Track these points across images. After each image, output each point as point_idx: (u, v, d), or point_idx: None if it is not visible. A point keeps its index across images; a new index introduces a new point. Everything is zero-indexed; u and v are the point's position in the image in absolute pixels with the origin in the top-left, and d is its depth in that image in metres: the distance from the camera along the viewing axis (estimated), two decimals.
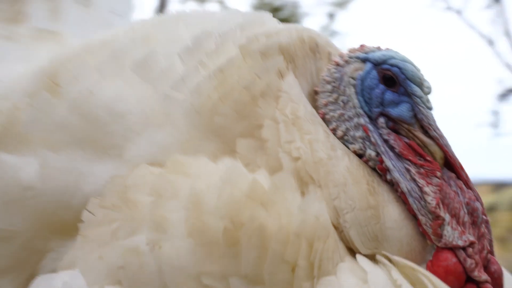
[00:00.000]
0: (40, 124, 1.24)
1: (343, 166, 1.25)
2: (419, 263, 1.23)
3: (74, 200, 1.21)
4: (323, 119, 1.34)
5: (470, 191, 1.30)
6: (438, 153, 1.30)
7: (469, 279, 1.23)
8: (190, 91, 1.25)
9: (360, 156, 1.32)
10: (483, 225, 1.28)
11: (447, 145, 1.31)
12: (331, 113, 1.34)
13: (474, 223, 1.27)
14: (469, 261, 1.23)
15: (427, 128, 1.31)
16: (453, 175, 1.31)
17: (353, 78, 1.34)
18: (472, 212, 1.27)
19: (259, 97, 1.25)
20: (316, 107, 1.34)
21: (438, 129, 1.32)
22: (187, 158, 1.20)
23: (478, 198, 1.30)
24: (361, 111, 1.33)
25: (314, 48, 1.36)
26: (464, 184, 1.30)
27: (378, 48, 1.38)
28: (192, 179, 1.17)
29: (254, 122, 1.24)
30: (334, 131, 1.33)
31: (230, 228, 1.12)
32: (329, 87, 1.35)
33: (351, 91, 1.34)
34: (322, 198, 1.20)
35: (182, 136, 1.23)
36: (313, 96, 1.37)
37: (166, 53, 1.28)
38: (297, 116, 1.26)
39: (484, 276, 1.23)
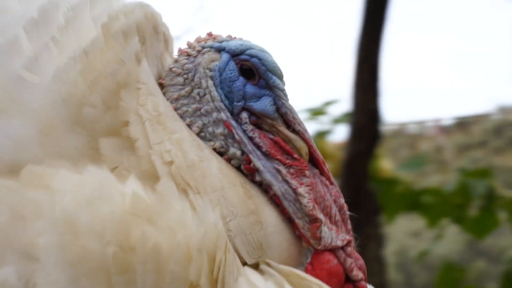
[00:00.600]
0: None
1: (215, 168, 1.15)
2: (296, 267, 1.17)
3: None
4: None
5: (334, 187, 1.24)
6: (304, 149, 1.23)
7: (347, 279, 1.18)
8: (50, 74, 1.09)
9: (220, 154, 1.21)
10: (349, 222, 1.23)
11: (311, 140, 1.24)
12: (184, 108, 1.22)
13: (343, 220, 1.22)
14: (349, 261, 1.19)
15: (292, 122, 1.23)
16: (317, 171, 1.24)
17: (209, 69, 1.23)
18: (340, 209, 1.22)
19: (122, 87, 1.12)
20: None
21: (302, 123, 1.25)
22: (45, 168, 1.05)
23: (341, 194, 1.24)
24: (221, 105, 1.22)
25: (156, 28, 1.22)
26: (328, 180, 1.23)
27: (230, 37, 1.27)
28: (56, 194, 1.01)
29: (120, 117, 1.12)
30: (188, 127, 1.21)
31: (119, 252, 0.99)
32: (180, 79, 1.23)
33: (209, 83, 1.22)
34: (209, 205, 1.09)
35: (41, 128, 1.07)
36: (160, 85, 1.25)
37: (5, 25, 1.12)
38: (160, 112, 1.14)
39: (360, 275, 1.19)
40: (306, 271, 1.17)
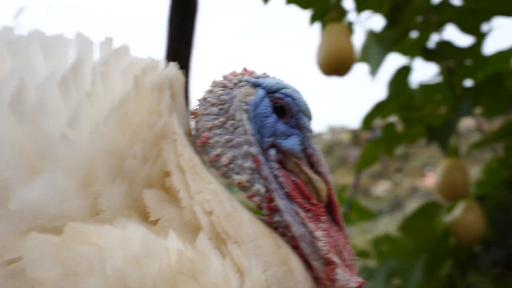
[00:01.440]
0: None
1: (246, 218, 1.14)
2: None
3: None
4: (206, 143, 1.23)
5: (344, 232, 1.25)
6: (324, 190, 1.24)
7: None
8: (89, 128, 1.09)
9: (243, 189, 1.22)
10: (356, 266, 1.23)
11: (332, 183, 1.25)
12: (216, 138, 1.23)
13: (353, 265, 1.23)
14: None
15: (316, 164, 1.24)
16: (329, 216, 1.25)
17: (245, 103, 1.23)
18: (349, 254, 1.23)
19: (160, 138, 1.12)
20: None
21: (325, 165, 1.26)
22: (88, 225, 1.03)
23: (349, 240, 1.26)
24: (253, 139, 1.22)
25: (182, 85, 1.24)
26: (338, 224, 1.25)
27: (266, 74, 1.29)
28: (105, 251, 0.99)
29: (162, 167, 1.12)
30: (218, 157, 1.22)
31: None
32: (215, 109, 1.24)
33: (243, 116, 1.23)
34: (253, 259, 1.09)
35: (83, 180, 1.07)
36: (193, 114, 1.27)
37: (37, 83, 1.10)
38: (195, 163, 1.14)
39: None
40: None
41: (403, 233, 4.25)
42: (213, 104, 1.24)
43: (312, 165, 1.24)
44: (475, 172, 4.95)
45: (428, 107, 3.91)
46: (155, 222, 1.08)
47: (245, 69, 1.29)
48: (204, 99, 1.25)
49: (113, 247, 1.00)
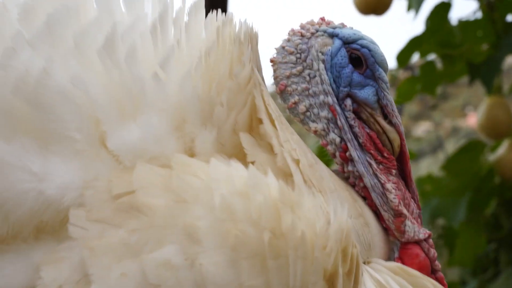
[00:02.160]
0: None
1: (326, 171, 1.19)
2: (386, 260, 1.23)
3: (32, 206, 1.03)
4: (284, 91, 1.27)
5: (413, 184, 1.29)
6: (397, 141, 1.27)
7: (432, 271, 1.24)
8: (179, 74, 1.11)
9: (318, 137, 1.27)
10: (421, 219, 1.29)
11: (403, 134, 1.28)
12: (294, 86, 1.26)
13: (419, 217, 1.28)
14: (432, 251, 1.24)
15: (390, 115, 1.27)
16: (400, 167, 1.29)
17: (322, 53, 1.26)
18: (417, 207, 1.28)
19: (248, 87, 1.15)
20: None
21: (399, 116, 1.28)
22: (193, 160, 1.08)
23: (417, 194, 1.30)
24: (329, 88, 1.25)
25: (257, 40, 1.26)
26: (408, 176, 1.29)
27: (343, 25, 1.30)
28: (212, 182, 1.03)
29: (247, 115, 1.15)
30: (295, 104, 1.26)
31: (273, 238, 1.00)
32: (292, 58, 1.26)
33: (320, 66, 1.25)
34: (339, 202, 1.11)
35: (176, 124, 1.10)
36: (271, 62, 1.30)
37: (124, 31, 1.12)
38: (279, 113, 1.18)
39: (439, 265, 1.25)
40: None
41: (446, 172, 4.22)
42: (291, 53, 1.26)
43: (386, 115, 1.27)
44: None
45: (468, 44, 3.81)
46: (248, 163, 1.10)
47: (322, 19, 1.31)
48: (282, 47, 1.28)
49: (220, 179, 1.04)
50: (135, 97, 1.08)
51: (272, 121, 1.15)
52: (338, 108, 1.25)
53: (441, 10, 3.80)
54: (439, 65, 4.08)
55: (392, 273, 1.16)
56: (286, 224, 1.01)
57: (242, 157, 1.12)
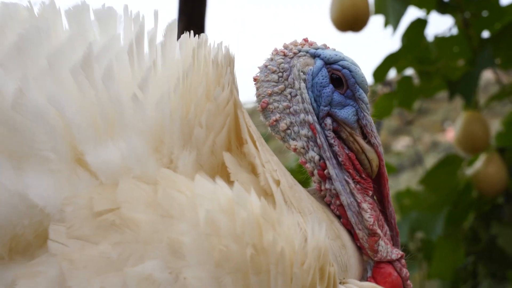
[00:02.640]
0: None
1: (304, 192, 1.21)
2: (360, 280, 1.24)
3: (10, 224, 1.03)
4: (266, 108, 1.29)
5: (390, 206, 1.31)
6: (375, 161, 1.30)
7: None
8: (156, 95, 1.11)
9: (298, 154, 1.29)
10: (399, 240, 1.32)
11: (383, 154, 1.30)
12: (275, 104, 1.28)
13: (396, 238, 1.31)
14: (404, 271, 1.26)
15: (369, 135, 1.30)
16: (377, 188, 1.32)
17: (303, 72, 1.29)
18: (393, 228, 1.31)
19: (227, 109, 1.15)
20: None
21: (378, 137, 1.31)
22: (178, 176, 1.08)
23: (395, 215, 1.32)
24: (310, 107, 1.28)
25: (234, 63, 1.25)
26: (385, 198, 1.31)
27: (325, 46, 1.33)
28: (197, 198, 1.03)
29: (230, 136, 1.16)
30: (276, 122, 1.28)
31: (255, 254, 1.01)
32: (274, 76, 1.29)
33: (301, 85, 1.28)
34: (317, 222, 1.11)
35: (154, 145, 1.10)
36: (254, 80, 1.32)
37: (99, 51, 1.12)
38: (259, 134, 1.19)
39: (411, 285, 1.27)
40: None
41: (424, 186, 4.26)
42: (274, 72, 1.29)
43: (365, 135, 1.30)
44: (496, 125, 4.93)
45: (444, 60, 3.87)
46: (230, 182, 1.11)
47: (305, 40, 1.34)
48: (265, 66, 1.31)
49: (205, 195, 1.04)
50: (113, 117, 1.08)
51: (254, 142, 1.16)
52: (318, 126, 1.27)
53: (418, 26, 3.86)
54: (416, 80, 4.13)
55: None
56: (267, 240, 1.02)
57: (221, 178, 1.11)
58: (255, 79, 1.31)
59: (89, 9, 1.17)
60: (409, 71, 4.13)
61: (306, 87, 1.28)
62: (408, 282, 1.26)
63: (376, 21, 3.98)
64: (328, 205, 1.28)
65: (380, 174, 1.31)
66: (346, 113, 1.28)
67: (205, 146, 1.12)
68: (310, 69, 1.29)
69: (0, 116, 1.04)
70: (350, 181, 1.26)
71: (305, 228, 1.09)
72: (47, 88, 1.06)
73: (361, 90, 1.30)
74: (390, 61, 3.92)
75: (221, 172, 1.13)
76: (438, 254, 4.06)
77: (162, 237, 1.00)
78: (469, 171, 4.17)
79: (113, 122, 1.08)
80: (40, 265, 1.02)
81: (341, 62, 1.29)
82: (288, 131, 1.28)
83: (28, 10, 1.15)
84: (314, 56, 1.30)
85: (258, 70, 1.32)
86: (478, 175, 4.08)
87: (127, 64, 1.14)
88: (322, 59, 1.30)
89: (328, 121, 1.28)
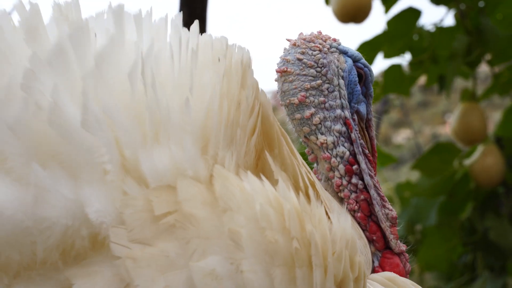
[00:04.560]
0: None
1: (328, 192, 1.25)
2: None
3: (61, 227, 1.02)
4: (303, 102, 1.29)
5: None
6: (370, 153, 1.34)
7: None
8: (206, 98, 1.13)
9: (323, 149, 1.31)
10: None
11: (375, 147, 1.36)
12: (311, 98, 1.29)
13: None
14: (407, 265, 1.30)
15: (371, 128, 1.35)
16: None
17: (341, 69, 1.31)
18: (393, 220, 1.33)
19: (256, 110, 1.18)
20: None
21: (373, 130, 1.36)
22: (229, 173, 1.10)
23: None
24: (347, 103, 1.31)
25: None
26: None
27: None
28: (250, 192, 1.07)
29: (264, 137, 1.20)
30: (311, 115, 1.29)
31: (299, 248, 1.05)
32: (312, 71, 1.29)
33: (340, 82, 1.30)
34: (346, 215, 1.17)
35: (201, 147, 1.11)
36: (284, 72, 1.33)
37: (147, 54, 1.12)
38: (284, 133, 1.22)
39: (408, 277, 1.31)
40: (375, 272, 1.29)
41: (418, 171, 4.26)
42: (311, 66, 1.30)
43: (368, 129, 1.35)
44: (496, 117, 4.92)
45: (436, 50, 3.87)
46: (272, 181, 1.14)
47: (320, 32, 1.35)
48: (298, 59, 1.30)
49: (256, 190, 1.07)
50: (161, 120, 1.09)
51: (288, 143, 1.20)
52: (352, 122, 1.30)
53: (409, 15, 3.84)
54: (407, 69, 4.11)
55: (392, 283, 1.22)
56: (307, 233, 1.06)
57: (258, 177, 1.15)
58: (284, 71, 1.30)
59: (124, 11, 1.17)
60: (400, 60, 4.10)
61: (345, 84, 1.31)
62: (408, 275, 1.30)
63: (378, 12, 3.98)
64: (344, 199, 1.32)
65: (372, 165, 1.34)
66: (363, 109, 1.33)
67: (243, 146, 1.15)
68: (345, 67, 1.32)
69: (65, 131, 1.02)
70: (373, 174, 1.30)
71: (333, 220, 1.14)
72: (100, 96, 1.06)
73: (372, 88, 1.35)
74: (370, 46, 3.89)
75: (257, 172, 1.16)
76: (426, 244, 4.08)
77: (223, 230, 1.03)
78: (467, 162, 4.17)
79: (161, 126, 1.09)
80: (95, 265, 1.03)
81: (362, 61, 1.34)
82: (319, 125, 1.29)
83: (56, 8, 1.16)
84: (343, 52, 1.33)
85: (281, 62, 1.32)
86: (475, 166, 4.09)
87: (170, 67, 1.15)
88: (349, 56, 1.33)
89: (355, 116, 1.32)
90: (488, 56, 3.97)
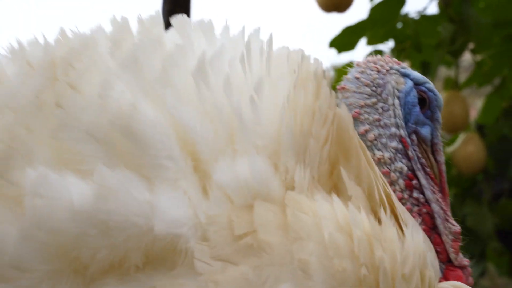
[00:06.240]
0: None
1: (399, 201, 1.28)
2: None
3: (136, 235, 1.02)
4: (357, 118, 1.35)
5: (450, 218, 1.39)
6: (437, 178, 1.36)
7: None
8: (277, 107, 1.14)
9: (381, 165, 1.32)
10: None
11: (444, 171, 1.39)
12: (366, 115, 1.34)
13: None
14: (470, 279, 1.32)
15: (437, 152, 1.38)
16: None
17: (398, 90, 1.37)
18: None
19: (329, 119, 1.21)
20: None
21: (443, 155, 1.39)
22: (302, 197, 1.11)
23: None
24: (402, 122, 1.35)
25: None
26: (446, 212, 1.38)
27: (408, 67, 1.43)
28: (321, 220, 1.09)
29: (339, 147, 1.22)
30: (366, 132, 1.33)
31: (367, 274, 1.07)
32: (368, 89, 1.36)
33: (395, 101, 1.36)
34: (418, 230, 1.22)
35: (274, 162, 1.12)
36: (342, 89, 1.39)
37: (215, 58, 1.15)
38: (362, 145, 1.24)
39: None
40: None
41: None
42: (367, 85, 1.36)
43: (434, 153, 1.38)
44: (480, 104, 4.97)
45: (420, 38, 3.89)
46: (339, 193, 1.17)
47: (388, 57, 1.42)
48: (356, 78, 1.37)
49: (326, 216, 1.09)
50: (233, 127, 1.10)
51: (366, 155, 1.23)
52: (408, 140, 1.35)
53: (393, 3, 3.86)
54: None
55: None
56: (377, 258, 1.08)
57: (331, 189, 1.18)
58: (343, 88, 1.37)
59: (190, 21, 1.24)
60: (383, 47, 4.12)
61: (400, 104, 1.36)
62: None
63: (362, 1, 4.00)
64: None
65: (442, 188, 1.38)
66: (426, 131, 1.37)
67: (317, 157, 1.17)
68: (404, 88, 1.37)
69: (121, 126, 1.04)
70: (436, 190, 1.34)
71: (407, 237, 1.17)
72: (164, 97, 1.08)
73: (439, 113, 1.39)
74: (352, 31, 3.91)
75: (330, 183, 1.19)
76: None
77: (294, 258, 1.05)
78: (449, 149, 4.22)
79: (234, 133, 1.10)
80: (181, 278, 1.04)
81: (427, 85, 1.39)
82: (375, 142, 1.33)
83: (140, 22, 1.18)
84: (404, 75, 1.38)
85: (346, 80, 1.38)
86: (457, 154, 4.14)
87: (241, 73, 1.17)
88: (412, 79, 1.38)
89: (414, 137, 1.36)
90: (471, 45, 4.00)
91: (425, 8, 3.97)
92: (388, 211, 1.17)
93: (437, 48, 3.81)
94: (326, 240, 1.06)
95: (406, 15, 3.93)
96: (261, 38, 1.26)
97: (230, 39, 1.25)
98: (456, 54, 3.98)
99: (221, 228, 1.04)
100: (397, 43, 3.98)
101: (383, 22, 3.83)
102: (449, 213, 1.34)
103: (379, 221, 1.15)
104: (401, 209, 1.22)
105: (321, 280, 1.04)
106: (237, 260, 1.04)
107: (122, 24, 1.16)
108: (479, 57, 4.17)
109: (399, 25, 3.95)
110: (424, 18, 3.93)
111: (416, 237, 1.16)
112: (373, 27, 3.85)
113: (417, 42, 3.77)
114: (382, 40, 3.96)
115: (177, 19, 1.22)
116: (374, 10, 3.86)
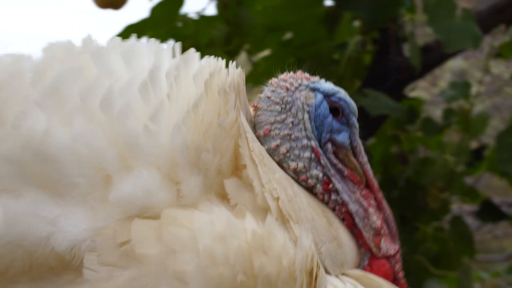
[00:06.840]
0: None
1: (304, 201, 1.36)
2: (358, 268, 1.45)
3: (43, 251, 1.17)
4: (267, 135, 1.44)
5: (385, 209, 1.52)
6: (363, 178, 1.50)
7: (394, 279, 1.47)
8: (169, 125, 1.23)
9: (297, 174, 1.44)
10: (397, 234, 1.53)
11: (369, 170, 1.52)
12: (277, 131, 1.44)
13: (393, 233, 1.51)
14: (397, 266, 1.47)
15: (358, 155, 1.51)
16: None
17: (307, 105, 1.46)
18: (390, 225, 1.51)
19: (232, 132, 1.29)
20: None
21: (365, 155, 1.53)
22: (180, 211, 1.21)
23: (392, 215, 1.54)
24: (312, 135, 1.45)
25: (244, 83, 1.42)
26: (379, 203, 1.51)
27: (319, 79, 1.53)
28: (196, 232, 1.18)
29: (236, 161, 1.29)
30: (277, 147, 1.43)
31: (245, 280, 1.17)
32: (277, 107, 1.45)
33: (305, 116, 1.45)
34: (305, 233, 1.28)
35: (166, 173, 1.22)
36: (254, 107, 1.49)
37: (121, 88, 1.24)
38: (263, 155, 1.33)
39: (402, 275, 1.48)
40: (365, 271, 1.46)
41: None
42: (276, 103, 1.45)
43: (356, 155, 1.51)
44: None
45: (197, 38, 4.02)
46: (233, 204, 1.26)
47: (301, 73, 1.51)
48: (268, 97, 1.46)
49: (202, 228, 1.19)
50: (129, 150, 1.20)
51: (255, 166, 1.29)
52: (320, 150, 1.45)
53: (172, 3, 3.95)
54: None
55: (354, 279, 1.36)
56: (256, 266, 1.17)
57: (224, 198, 1.26)
58: (255, 107, 1.47)
59: (116, 47, 1.32)
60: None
61: (310, 118, 1.45)
62: (400, 275, 1.46)
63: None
64: (332, 209, 1.47)
65: (369, 186, 1.51)
66: (343, 137, 1.49)
67: (211, 167, 1.25)
68: (313, 102, 1.47)
69: (34, 151, 1.18)
70: (356, 190, 1.46)
71: (296, 240, 1.25)
72: (76, 124, 1.20)
73: (353, 118, 1.50)
74: (134, 30, 3.91)
75: (224, 192, 1.27)
76: None
77: (169, 269, 1.15)
78: None
79: (131, 154, 1.21)
80: (67, 286, 1.19)
81: (338, 95, 1.49)
82: (288, 154, 1.43)
83: (67, 50, 1.30)
84: (314, 89, 1.48)
85: (259, 99, 1.48)
86: None
87: (142, 99, 1.25)
88: (321, 92, 1.48)
89: (329, 145, 1.46)
90: (247, 46, 4.21)
91: (203, 9, 4.10)
92: (276, 214, 1.26)
93: (208, 47, 3.95)
94: (200, 251, 1.16)
95: (185, 15, 4.03)
96: (176, 59, 1.35)
97: (143, 65, 1.32)
98: (232, 54, 4.15)
99: (106, 238, 1.17)
100: (177, 42, 4.03)
101: (163, 22, 3.91)
102: (373, 209, 1.48)
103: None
104: (296, 207, 1.31)
105: (198, 285, 1.15)
106: (122, 264, 1.17)
107: (51, 52, 1.28)
108: (254, 59, 4.38)
109: (180, 25, 4.04)
110: (204, 19, 4.05)
111: (304, 238, 1.25)
112: (155, 27, 3.93)
113: (195, 42, 3.87)
114: (163, 39, 4.01)
115: (109, 43, 1.33)
116: (155, 10, 3.92)
